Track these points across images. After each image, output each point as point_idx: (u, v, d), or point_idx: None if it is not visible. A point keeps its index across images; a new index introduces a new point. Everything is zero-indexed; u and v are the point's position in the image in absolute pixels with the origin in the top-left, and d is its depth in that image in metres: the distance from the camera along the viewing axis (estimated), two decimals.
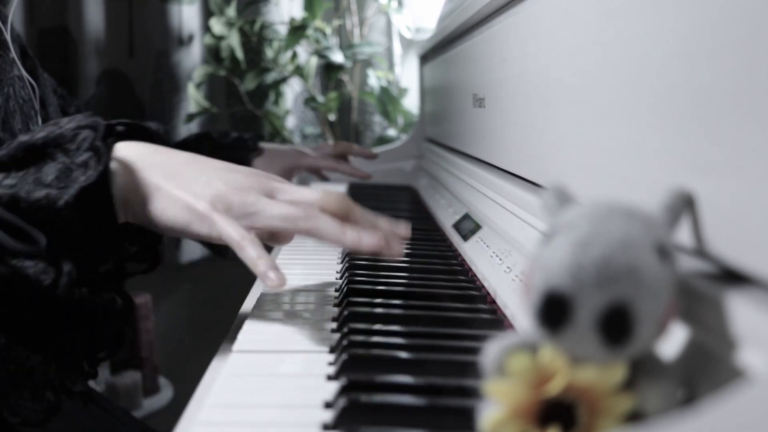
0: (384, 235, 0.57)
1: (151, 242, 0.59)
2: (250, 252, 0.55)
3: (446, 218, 0.97)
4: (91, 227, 0.55)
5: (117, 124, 0.63)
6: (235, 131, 1.73)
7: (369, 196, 1.24)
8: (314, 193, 0.59)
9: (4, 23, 0.76)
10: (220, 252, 1.04)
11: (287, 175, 1.14)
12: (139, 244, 0.60)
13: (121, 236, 0.58)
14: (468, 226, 0.85)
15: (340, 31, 1.75)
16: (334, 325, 0.59)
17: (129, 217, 0.58)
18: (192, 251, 1.66)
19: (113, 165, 0.57)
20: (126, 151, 0.58)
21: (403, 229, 0.60)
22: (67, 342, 0.57)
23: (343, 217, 0.58)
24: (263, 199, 0.57)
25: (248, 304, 0.65)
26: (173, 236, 0.59)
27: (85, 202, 0.54)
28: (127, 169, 0.57)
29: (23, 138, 0.56)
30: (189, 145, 1.02)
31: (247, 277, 0.64)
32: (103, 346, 0.59)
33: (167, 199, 0.57)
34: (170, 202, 0.57)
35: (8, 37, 0.76)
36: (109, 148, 0.57)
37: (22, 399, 0.65)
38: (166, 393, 1.63)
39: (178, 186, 0.57)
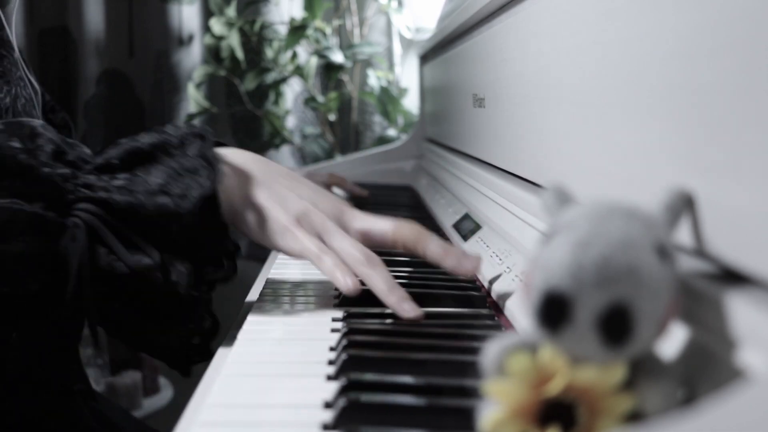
0: (459, 267, 0.62)
1: (231, 249, 0.61)
2: (327, 263, 0.59)
3: (446, 218, 0.97)
4: (204, 233, 0.57)
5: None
6: (237, 131, 1.74)
7: (369, 196, 1.24)
8: (388, 222, 0.63)
9: (8, 23, 0.76)
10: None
11: None
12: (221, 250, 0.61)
13: (226, 238, 0.59)
14: (468, 226, 0.85)
15: (340, 31, 1.75)
16: (334, 325, 0.59)
17: (226, 213, 0.60)
18: None
19: (224, 158, 0.59)
20: (229, 156, 0.62)
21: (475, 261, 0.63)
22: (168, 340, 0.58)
23: (412, 249, 0.63)
24: (339, 234, 0.61)
25: (248, 304, 0.65)
26: (255, 241, 0.62)
27: (202, 208, 0.56)
28: (229, 173, 0.60)
29: (128, 142, 0.57)
30: None
31: (247, 277, 0.65)
32: (192, 354, 0.60)
33: (258, 207, 0.61)
34: (260, 211, 0.61)
35: (12, 37, 0.76)
36: (209, 137, 0.59)
37: (24, 398, 0.65)
38: (166, 393, 1.63)
39: (271, 197, 0.61)
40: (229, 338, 0.57)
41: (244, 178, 0.61)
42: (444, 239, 0.91)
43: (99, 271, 0.53)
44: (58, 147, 0.56)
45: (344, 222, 0.63)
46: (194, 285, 0.56)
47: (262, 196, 0.61)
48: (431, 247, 0.63)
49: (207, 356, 0.58)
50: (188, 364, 0.59)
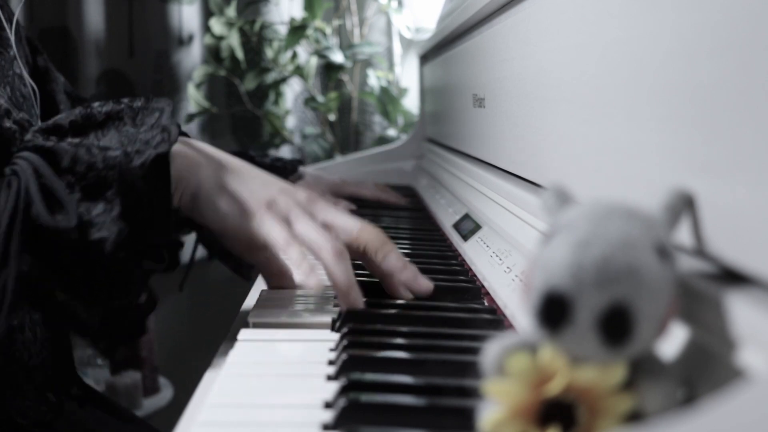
0: (402, 284, 0.62)
1: (174, 243, 0.59)
2: (294, 253, 0.58)
3: (446, 218, 0.97)
4: (152, 200, 0.55)
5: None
6: (237, 131, 1.74)
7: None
8: (353, 222, 0.63)
9: (9, 21, 0.76)
10: (244, 274, 0.99)
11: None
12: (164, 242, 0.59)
13: (171, 220, 0.57)
14: (468, 226, 0.85)
15: (340, 31, 1.75)
16: (334, 325, 0.59)
17: (179, 203, 0.59)
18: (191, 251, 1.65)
19: (176, 148, 0.57)
20: (189, 142, 0.60)
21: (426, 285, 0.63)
22: (96, 308, 0.56)
23: (373, 252, 0.62)
24: (307, 218, 0.60)
25: (248, 304, 0.65)
26: (216, 229, 0.60)
27: (152, 172, 0.54)
28: (189, 156, 0.59)
29: (82, 110, 0.55)
30: None
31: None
32: (124, 329, 0.58)
33: (223, 192, 0.59)
34: (225, 195, 0.59)
35: (11, 35, 0.76)
36: (168, 107, 0.58)
37: (28, 400, 0.65)
38: (166, 393, 1.63)
39: (236, 183, 0.60)
40: (230, 338, 0.57)
41: (216, 166, 0.60)
42: (444, 239, 0.91)
43: (29, 224, 0.50)
44: (7, 110, 0.55)
45: (312, 212, 0.62)
46: (125, 246, 0.52)
47: (234, 183, 0.60)
48: (391, 257, 0.62)
49: (138, 334, 0.57)
50: (114, 343, 0.57)
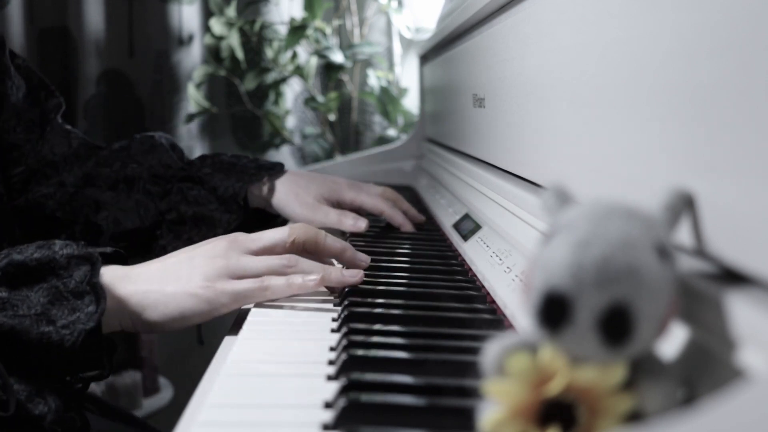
0: (355, 260, 0.68)
1: (109, 350, 0.60)
2: (276, 286, 0.61)
3: (446, 218, 0.97)
4: (83, 358, 0.56)
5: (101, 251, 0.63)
6: (237, 131, 1.74)
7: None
8: (281, 231, 0.66)
9: None
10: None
11: (325, 205, 0.94)
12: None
13: (102, 353, 0.58)
14: (468, 226, 0.85)
15: (340, 31, 1.75)
16: (334, 325, 0.59)
17: (125, 327, 0.60)
18: None
19: (104, 281, 0.58)
20: (111, 271, 0.60)
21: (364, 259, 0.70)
22: None
23: (314, 245, 0.66)
24: (244, 257, 0.62)
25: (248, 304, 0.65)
26: (178, 330, 0.61)
27: (84, 340, 0.55)
28: (115, 286, 0.59)
29: (15, 255, 0.56)
30: (194, 164, 0.97)
31: None
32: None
33: (164, 298, 0.59)
34: (168, 300, 0.59)
35: None
36: (98, 263, 0.58)
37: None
38: (166, 393, 1.63)
39: (168, 282, 0.60)
40: (230, 338, 0.57)
41: (131, 286, 0.59)
42: (444, 239, 0.91)
43: None
44: None
45: (245, 250, 0.63)
46: (60, 421, 0.55)
47: (159, 287, 0.59)
48: (328, 241, 0.68)
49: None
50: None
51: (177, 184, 0.93)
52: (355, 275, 0.65)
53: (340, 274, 0.64)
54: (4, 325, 0.53)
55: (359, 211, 0.96)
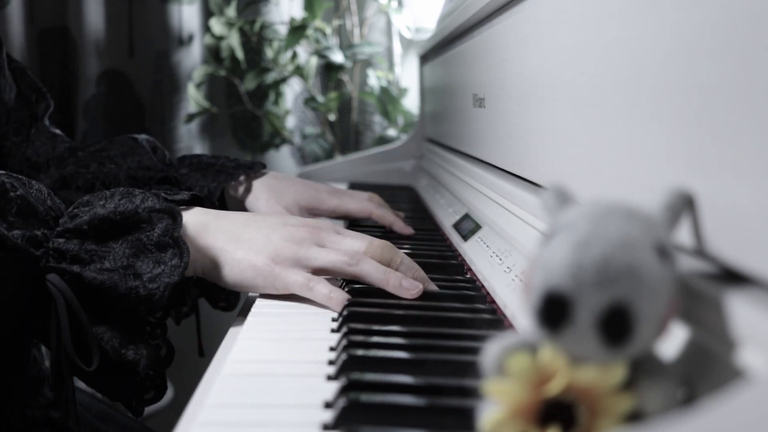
0: (421, 281, 0.65)
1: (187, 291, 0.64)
2: (320, 290, 0.62)
3: (446, 218, 0.97)
4: (167, 304, 0.59)
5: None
6: (237, 131, 1.74)
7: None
8: (361, 242, 0.66)
9: None
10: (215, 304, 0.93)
11: (301, 214, 0.93)
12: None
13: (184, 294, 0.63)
14: (468, 226, 0.85)
15: (340, 31, 1.75)
16: (334, 325, 0.59)
17: (198, 274, 0.63)
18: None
19: (187, 232, 0.61)
20: (194, 218, 0.63)
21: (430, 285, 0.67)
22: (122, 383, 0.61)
23: (387, 263, 0.65)
24: (314, 248, 0.63)
25: (247, 304, 0.65)
26: (241, 291, 0.66)
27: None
28: (196, 236, 0.62)
29: (99, 209, 0.58)
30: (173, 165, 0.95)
31: None
32: (150, 388, 0.63)
33: (232, 260, 0.62)
34: (235, 264, 0.62)
35: None
36: (179, 217, 0.60)
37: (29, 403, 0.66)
38: (166, 393, 1.63)
39: (241, 248, 0.63)
40: (230, 338, 0.57)
41: (208, 239, 0.63)
42: (444, 239, 0.91)
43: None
44: (28, 205, 0.57)
45: (322, 245, 0.65)
46: (151, 365, 0.59)
47: (232, 249, 0.62)
48: (402, 268, 0.66)
49: (161, 393, 0.63)
50: (142, 404, 0.62)
51: (155, 186, 0.92)
52: (411, 288, 0.63)
53: (398, 284, 0.63)
54: (94, 280, 0.56)
55: (346, 218, 0.95)
